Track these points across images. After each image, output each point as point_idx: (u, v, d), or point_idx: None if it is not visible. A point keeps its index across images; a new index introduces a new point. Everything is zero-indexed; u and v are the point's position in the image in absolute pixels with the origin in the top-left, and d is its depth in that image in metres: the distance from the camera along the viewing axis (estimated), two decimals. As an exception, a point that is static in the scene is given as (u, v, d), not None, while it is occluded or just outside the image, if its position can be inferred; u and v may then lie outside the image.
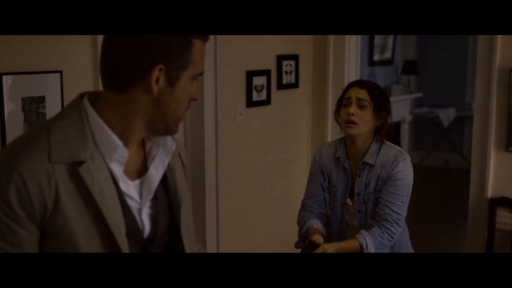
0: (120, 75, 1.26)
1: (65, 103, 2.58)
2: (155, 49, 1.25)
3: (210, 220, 3.25)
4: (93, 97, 1.31)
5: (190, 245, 1.45)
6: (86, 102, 1.29)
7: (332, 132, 3.82)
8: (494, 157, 3.39)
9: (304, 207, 2.59)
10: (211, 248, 3.27)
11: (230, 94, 3.34)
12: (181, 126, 3.18)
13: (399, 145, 2.52)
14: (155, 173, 1.36)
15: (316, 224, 2.47)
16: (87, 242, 1.24)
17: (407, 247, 2.55)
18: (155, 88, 1.27)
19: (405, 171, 2.37)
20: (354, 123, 2.35)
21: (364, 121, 2.36)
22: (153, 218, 1.36)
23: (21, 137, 1.29)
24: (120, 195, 1.29)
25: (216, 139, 3.22)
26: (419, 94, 8.41)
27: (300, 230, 2.54)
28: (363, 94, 2.37)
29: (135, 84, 1.27)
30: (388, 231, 2.35)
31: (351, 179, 2.45)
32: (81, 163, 1.23)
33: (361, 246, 2.31)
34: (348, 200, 2.47)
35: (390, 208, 2.35)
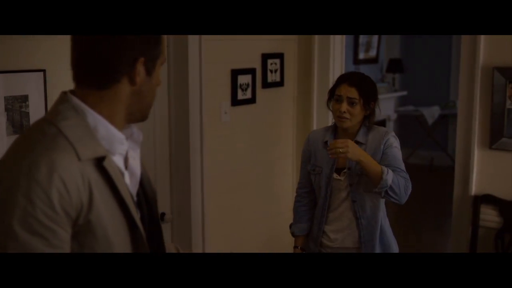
0: (106, 72, 1.30)
1: (49, 102, 2.56)
2: (137, 43, 1.30)
3: (195, 219, 3.25)
4: (76, 96, 1.34)
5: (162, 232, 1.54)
6: (77, 100, 1.32)
7: (317, 131, 3.82)
8: (477, 155, 3.41)
9: (297, 196, 2.90)
10: (196, 248, 3.26)
11: (215, 93, 3.33)
12: (166, 125, 3.18)
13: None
14: (134, 163, 1.42)
15: (300, 229, 2.85)
16: (116, 233, 1.29)
17: (390, 234, 2.77)
18: (138, 80, 1.33)
19: (397, 143, 2.67)
20: (345, 118, 2.62)
21: (354, 115, 2.63)
22: (140, 206, 1.44)
23: (30, 140, 1.27)
24: (126, 185, 1.36)
25: (201, 138, 3.21)
26: (404, 93, 8.46)
27: (291, 224, 2.92)
28: (353, 92, 2.62)
29: (119, 79, 1.31)
30: (406, 181, 2.57)
31: (337, 159, 2.67)
32: (102, 158, 1.28)
33: (382, 170, 2.51)
34: (335, 175, 2.69)
35: (399, 168, 2.60)
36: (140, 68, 1.32)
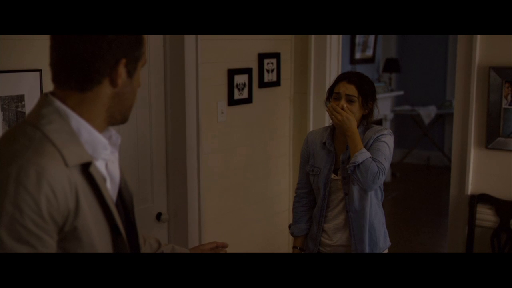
0: (88, 73, 1.27)
1: (45, 102, 2.55)
2: (119, 44, 1.28)
3: (192, 219, 3.24)
4: (56, 97, 1.31)
5: (141, 236, 1.53)
6: (59, 103, 1.29)
7: (314, 130, 3.82)
8: (474, 154, 3.42)
9: (296, 197, 2.91)
10: (193, 247, 3.25)
11: (211, 93, 3.33)
12: (162, 125, 3.17)
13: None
14: (113, 167, 1.40)
15: (299, 230, 2.87)
16: (100, 239, 1.27)
17: (384, 231, 2.79)
18: (120, 81, 1.30)
19: (388, 139, 2.64)
20: None
21: (352, 113, 2.63)
22: (116, 209, 1.41)
23: (16, 145, 1.23)
24: (108, 191, 1.35)
25: (198, 138, 3.21)
26: (400, 92, 8.47)
27: (290, 225, 2.94)
28: (351, 90, 2.63)
29: (100, 80, 1.29)
30: (380, 171, 2.53)
31: (335, 160, 2.70)
32: (88, 164, 1.26)
33: (360, 149, 2.54)
34: (333, 176, 2.71)
35: (377, 160, 2.56)
36: (122, 70, 1.30)
